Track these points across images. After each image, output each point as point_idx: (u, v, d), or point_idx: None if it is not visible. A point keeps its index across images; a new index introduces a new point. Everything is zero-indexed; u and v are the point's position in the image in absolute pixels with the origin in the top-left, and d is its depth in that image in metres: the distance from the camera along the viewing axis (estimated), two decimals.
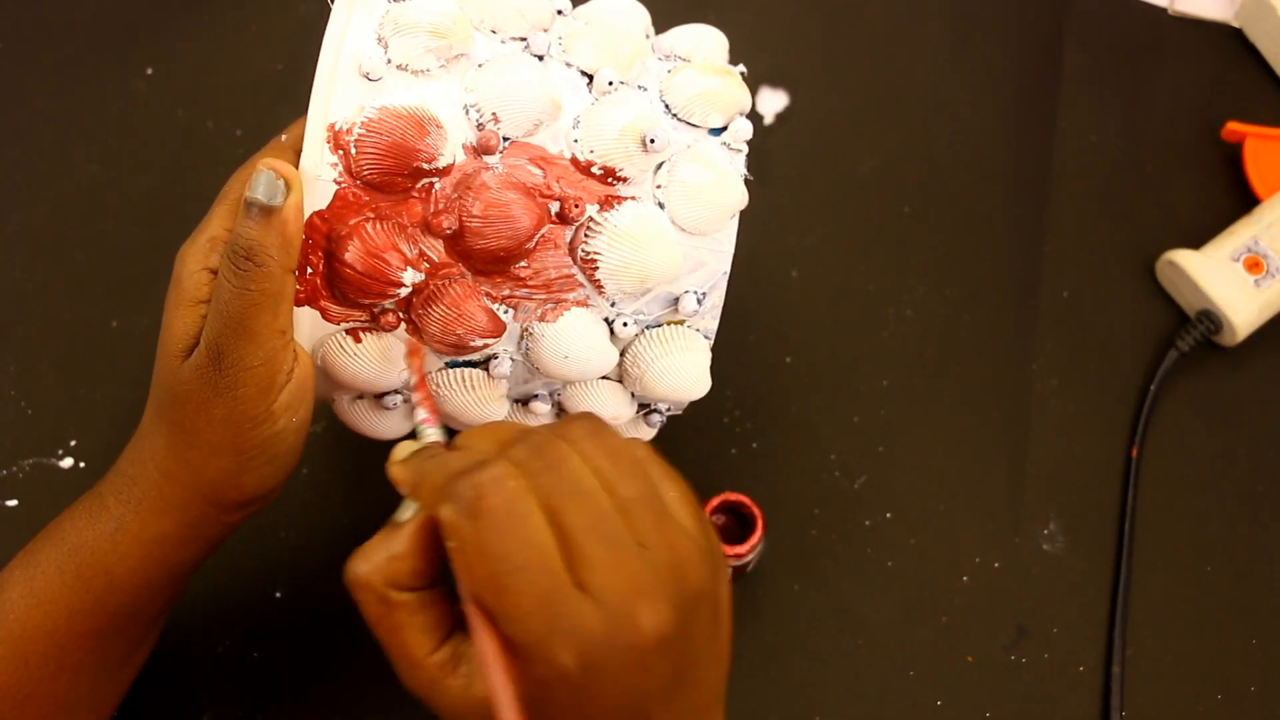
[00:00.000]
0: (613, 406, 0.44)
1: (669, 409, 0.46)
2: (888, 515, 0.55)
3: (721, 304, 0.42)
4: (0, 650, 0.40)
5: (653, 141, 0.39)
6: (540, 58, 0.41)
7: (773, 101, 0.65)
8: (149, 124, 0.63)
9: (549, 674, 0.31)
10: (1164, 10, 0.68)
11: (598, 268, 0.40)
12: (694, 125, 0.42)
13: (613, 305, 0.41)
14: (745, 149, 0.42)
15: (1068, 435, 0.57)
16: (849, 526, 0.55)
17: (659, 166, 0.41)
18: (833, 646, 0.53)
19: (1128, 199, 0.63)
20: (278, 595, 0.52)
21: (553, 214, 0.40)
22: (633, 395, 0.44)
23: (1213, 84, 0.66)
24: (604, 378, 0.43)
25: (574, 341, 0.41)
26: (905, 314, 0.59)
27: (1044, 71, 0.66)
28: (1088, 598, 0.54)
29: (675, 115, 0.42)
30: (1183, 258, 0.58)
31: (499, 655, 0.31)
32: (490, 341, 0.41)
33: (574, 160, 0.40)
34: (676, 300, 0.42)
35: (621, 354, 0.43)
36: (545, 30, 0.42)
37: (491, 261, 0.40)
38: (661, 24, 0.68)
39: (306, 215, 0.38)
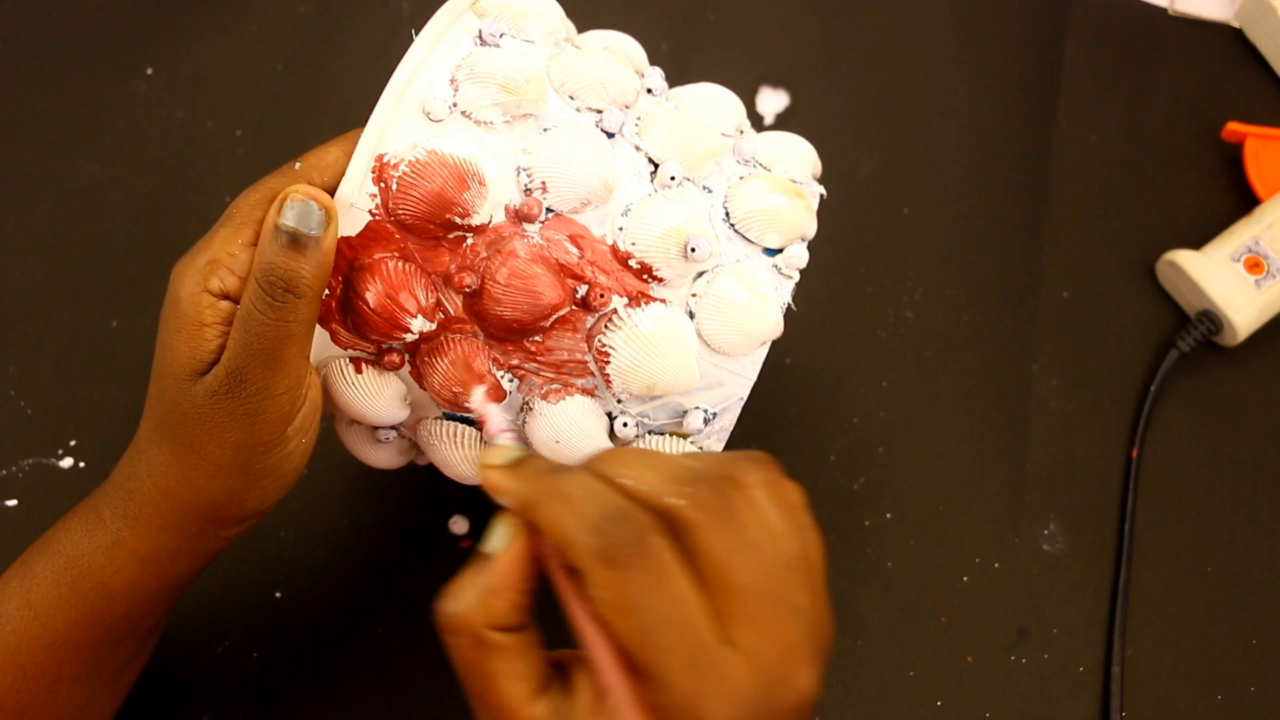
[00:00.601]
0: None
1: None
2: (888, 516, 0.55)
3: (731, 428, 0.41)
4: None
5: (694, 250, 0.38)
6: (611, 135, 0.40)
7: (773, 101, 0.65)
8: (149, 124, 0.63)
9: None
10: (1164, 10, 0.68)
11: (610, 362, 0.39)
12: (749, 240, 0.40)
13: (619, 402, 0.40)
14: (796, 277, 0.41)
15: (1068, 435, 0.57)
16: (849, 527, 0.55)
17: (700, 274, 0.39)
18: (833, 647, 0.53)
19: (1128, 199, 0.63)
20: (278, 595, 0.52)
21: (578, 297, 0.38)
22: None
23: (1213, 84, 0.66)
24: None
25: (570, 428, 0.39)
26: (905, 315, 0.59)
27: (1044, 71, 0.66)
28: (1088, 598, 0.54)
29: (733, 225, 0.40)
30: (1183, 258, 0.58)
31: (641, 713, 0.29)
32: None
33: (614, 248, 0.39)
34: (685, 413, 0.40)
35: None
36: (626, 107, 0.41)
37: (505, 330, 0.39)
38: (662, 25, 0.68)
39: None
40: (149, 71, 0.64)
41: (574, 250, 0.38)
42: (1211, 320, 0.58)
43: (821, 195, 0.42)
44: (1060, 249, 0.61)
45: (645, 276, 0.39)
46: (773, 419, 0.57)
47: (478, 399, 0.39)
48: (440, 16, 0.39)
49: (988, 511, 0.55)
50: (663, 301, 0.39)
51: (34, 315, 0.58)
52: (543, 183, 0.38)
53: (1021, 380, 0.58)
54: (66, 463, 0.55)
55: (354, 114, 0.64)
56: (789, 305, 0.40)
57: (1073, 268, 0.61)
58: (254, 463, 0.38)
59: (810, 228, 0.41)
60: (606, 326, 0.39)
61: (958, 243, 0.61)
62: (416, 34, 0.39)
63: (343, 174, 0.38)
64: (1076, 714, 0.52)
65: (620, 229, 0.39)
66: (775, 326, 0.40)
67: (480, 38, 0.40)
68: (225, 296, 0.37)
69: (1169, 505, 0.56)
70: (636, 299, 0.39)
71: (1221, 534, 0.55)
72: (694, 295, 0.39)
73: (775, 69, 0.65)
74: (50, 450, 0.55)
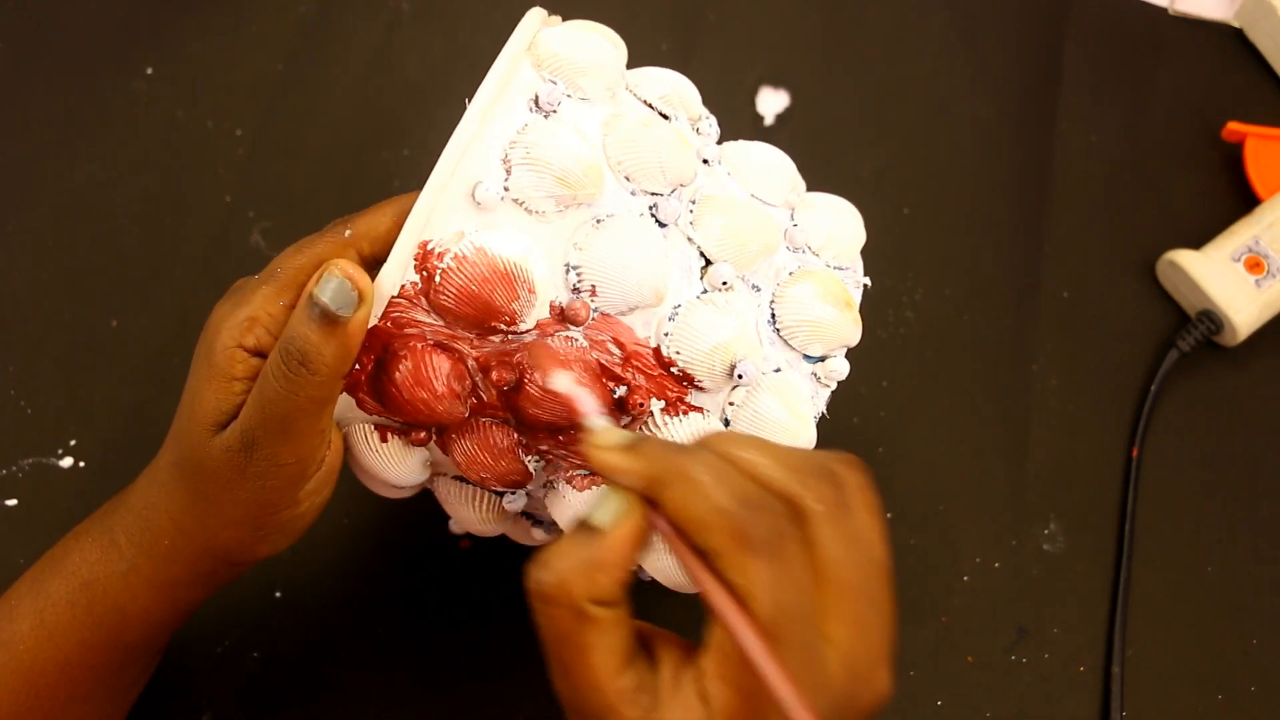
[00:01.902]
0: None
1: None
2: (888, 515, 0.55)
3: None
4: (11, 681, 0.40)
5: (740, 376, 0.37)
6: (664, 224, 0.38)
7: (773, 101, 0.65)
8: (149, 124, 0.63)
9: None
10: (1164, 10, 0.68)
11: None
12: (792, 347, 0.39)
13: None
14: (834, 386, 0.40)
15: (1068, 435, 0.57)
16: None
17: (739, 383, 0.38)
18: None
19: (1128, 199, 0.63)
20: (278, 595, 0.52)
21: (615, 397, 0.37)
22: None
23: (1213, 84, 0.66)
24: None
25: None
26: (905, 315, 0.59)
27: (1044, 71, 0.66)
28: (1088, 598, 0.54)
29: (778, 329, 0.39)
30: (1183, 258, 0.58)
31: (787, 681, 0.28)
32: (512, 491, 0.40)
33: (657, 351, 0.37)
34: None
35: None
36: (684, 186, 0.39)
37: (537, 425, 0.37)
38: (662, 25, 0.68)
39: (371, 323, 0.36)
40: (149, 71, 0.64)
41: (616, 351, 0.37)
42: (1211, 320, 0.58)
43: (866, 285, 0.42)
44: (1060, 249, 0.61)
45: (685, 384, 0.38)
46: None
47: (565, 383, 0.37)
48: (496, 74, 0.36)
49: (988, 511, 0.55)
50: (700, 411, 0.38)
51: (34, 315, 0.58)
52: (593, 286, 0.36)
53: (1021, 380, 0.58)
54: (66, 463, 0.55)
55: (354, 114, 0.64)
56: (823, 414, 0.40)
57: (1073, 268, 0.61)
58: (265, 520, 0.38)
59: (855, 338, 0.40)
60: (641, 428, 0.38)
61: (958, 243, 0.61)
62: (469, 99, 0.36)
63: (391, 247, 0.36)
64: (1076, 714, 0.52)
65: (666, 334, 0.37)
66: (809, 443, 0.39)
67: (537, 103, 0.37)
68: (258, 353, 0.37)
69: (1169, 505, 0.56)
70: (674, 405, 0.38)
71: (1221, 534, 0.55)
72: (731, 403, 0.38)
73: (775, 69, 0.65)
74: (50, 450, 0.55)
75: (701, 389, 0.38)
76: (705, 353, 0.37)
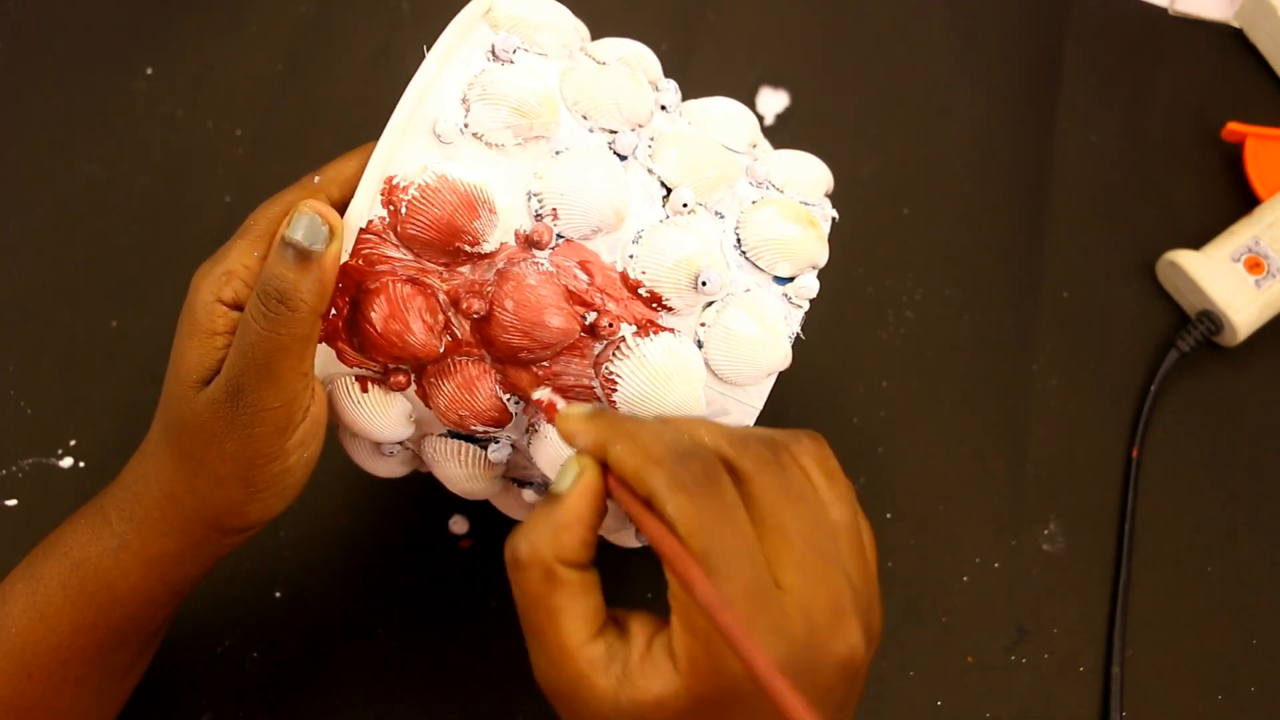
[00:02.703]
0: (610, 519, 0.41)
1: None
2: (888, 515, 0.55)
3: None
4: (3, 663, 0.40)
5: (705, 284, 0.38)
6: (623, 157, 0.39)
7: (773, 101, 0.65)
8: (149, 124, 0.63)
9: (738, 670, 0.30)
10: (1164, 10, 0.68)
11: (616, 390, 0.38)
12: (760, 268, 0.40)
13: None
14: (806, 306, 0.40)
15: (1068, 435, 0.57)
16: None
17: (709, 303, 0.39)
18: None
19: (1128, 199, 0.63)
20: (278, 595, 0.52)
21: (586, 324, 0.38)
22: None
23: (1213, 84, 0.66)
24: None
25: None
26: (905, 315, 0.59)
27: (1044, 71, 0.66)
28: (1088, 598, 0.54)
29: (744, 253, 0.40)
30: (1183, 258, 0.58)
31: (737, 622, 0.29)
32: (493, 430, 0.40)
33: (624, 275, 0.38)
34: None
35: None
36: (640, 126, 0.40)
37: (512, 355, 0.38)
38: (662, 25, 0.68)
39: (343, 261, 0.37)
40: (149, 71, 0.64)
41: (583, 277, 0.38)
42: (1211, 320, 0.58)
43: (834, 218, 0.42)
44: (1060, 249, 0.61)
45: (654, 305, 0.38)
46: (773, 419, 0.56)
47: (544, 393, 0.39)
48: (453, 29, 0.39)
49: (988, 511, 0.55)
50: (671, 331, 0.39)
51: (34, 315, 0.58)
52: (554, 209, 0.37)
53: (1021, 380, 0.58)
54: (66, 463, 0.55)
55: (354, 114, 0.64)
56: (798, 335, 0.40)
57: (1073, 268, 0.61)
58: (253, 474, 0.38)
59: (822, 256, 0.40)
60: (614, 354, 0.38)
61: (958, 243, 0.61)
62: (428, 48, 0.38)
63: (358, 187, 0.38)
64: (1076, 714, 0.52)
65: (631, 256, 0.38)
66: (784, 359, 0.40)
67: (493, 53, 0.39)
68: (237, 306, 0.38)
69: (1169, 505, 0.56)
70: (645, 328, 0.38)
71: (1221, 534, 0.55)
72: (703, 325, 0.39)
73: (775, 69, 0.65)
74: (50, 450, 0.55)
75: (670, 309, 0.39)
76: (670, 268, 0.38)
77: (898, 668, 0.52)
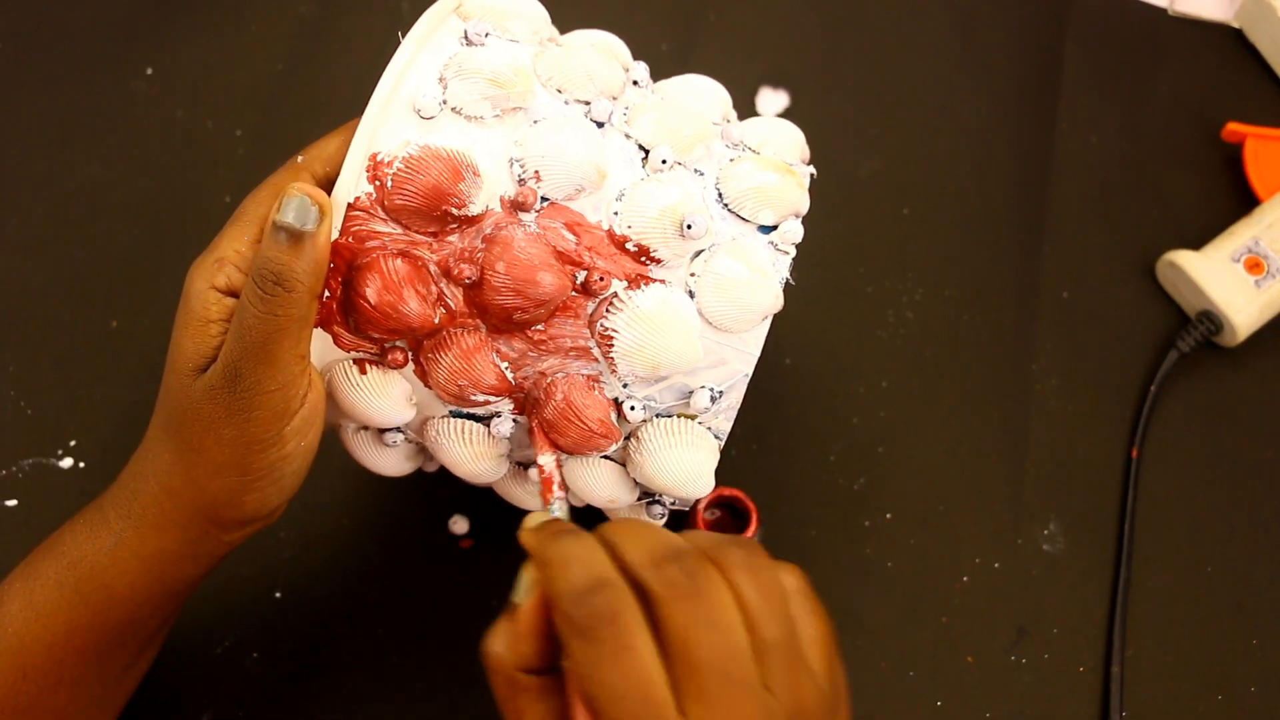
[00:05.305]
0: (611, 489, 0.42)
1: (673, 502, 0.44)
2: (888, 516, 0.55)
3: (738, 406, 0.41)
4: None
5: (690, 227, 0.38)
6: (600, 125, 0.40)
7: (773, 101, 0.65)
8: (149, 124, 0.63)
9: None
10: (1164, 10, 0.68)
11: (613, 345, 0.39)
12: (743, 219, 0.40)
13: (625, 386, 0.40)
14: (792, 252, 0.41)
15: (1068, 435, 0.57)
16: (849, 527, 0.55)
17: (697, 254, 0.40)
18: None
19: (1128, 199, 0.63)
20: (278, 595, 0.52)
21: (577, 283, 0.39)
22: (635, 482, 0.42)
23: (1213, 84, 0.66)
24: (606, 458, 0.42)
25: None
26: (905, 315, 0.59)
27: (1044, 71, 0.66)
28: (1088, 598, 0.54)
29: (726, 205, 0.40)
30: (1183, 258, 0.58)
31: None
32: (493, 399, 0.40)
33: (610, 232, 0.39)
34: (691, 393, 0.40)
35: (628, 438, 0.41)
36: (614, 98, 0.41)
37: (507, 320, 0.39)
38: (662, 25, 0.68)
39: (333, 237, 0.38)
40: (149, 71, 0.64)
41: (571, 237, 0.39)
42: (1211, 320, 0.58)
43: (812, 175, 0.43)
44: (1060, 249, 0.61)
45: (643, 258, 0.39)
46: (773, 419, 0.57)
47: (549, 461, 0.40)
48: (425, 20, 0.40)
49: (988, 511, 0.55)
50: (662, 282, 0.39)
51: (34, 315, 0.58)
52: (536, 171, 0.38)
53: (1021, 380, 0.58)
54: (66, 463, 0.55)
55: (354, 114, 0.64)
56: (788, 280, 0.41)
57: (1073, 268, 0.61)
58: (251, 461, 0.38)
59: (803, 203, 0.41)
60: (608, 310, 0.39)
61: (958, 243, 0.61)
62: (403, 35, 0.39)
63: (343, 165, 0.38)
64: (1076, 714, 0.52)
65: (615, 213, 0.39)
66: (775, 300, 0.40)
67: (466, 38, 0.40)
68: (231, 293, 0.38)
69: (1169, 505, 0.56)
70: (635, 281, 0.39)
71: (1221, 534, 0.55)
72: (693, 274, 0.40)
73: (775, 69, 0.65)
74: (50, 450, 0.55)
75: (659, 260, 0.39)
76: (654, 218, 0.39)
77: (898, 668, 0.52)
